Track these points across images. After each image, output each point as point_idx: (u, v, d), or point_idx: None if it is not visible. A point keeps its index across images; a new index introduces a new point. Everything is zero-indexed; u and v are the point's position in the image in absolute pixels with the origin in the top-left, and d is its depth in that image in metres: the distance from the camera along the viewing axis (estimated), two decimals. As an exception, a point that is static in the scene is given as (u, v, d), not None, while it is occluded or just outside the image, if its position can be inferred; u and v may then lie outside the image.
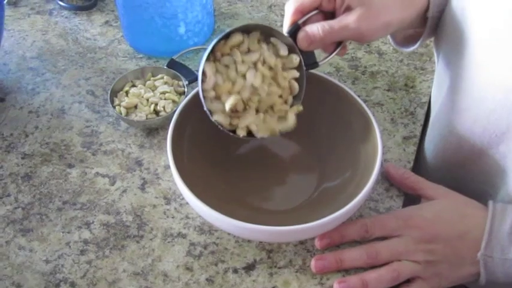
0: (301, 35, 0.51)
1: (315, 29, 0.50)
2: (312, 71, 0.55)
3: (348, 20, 0.50)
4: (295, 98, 0.54)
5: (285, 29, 0.52)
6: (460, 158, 0.57)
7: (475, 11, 0.50)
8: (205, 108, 0.51)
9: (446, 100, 0.57)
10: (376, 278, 0.49)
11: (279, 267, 0.51)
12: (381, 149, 0.52)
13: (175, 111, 0.55)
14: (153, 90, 0.64)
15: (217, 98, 0.52)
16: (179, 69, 0.67)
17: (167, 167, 0.60)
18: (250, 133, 0.53)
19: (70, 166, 0.60)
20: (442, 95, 0.58)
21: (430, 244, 0.49)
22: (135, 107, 0.63)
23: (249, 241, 0.53)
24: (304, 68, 0.53)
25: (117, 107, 0.63)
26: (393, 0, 0.51)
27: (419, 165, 0.64)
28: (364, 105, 0.55)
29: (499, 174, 0.53)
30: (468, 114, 0.53)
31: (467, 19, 0.51)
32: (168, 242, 0.53)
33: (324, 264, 0.50)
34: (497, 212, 0.49)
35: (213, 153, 0.57)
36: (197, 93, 0.56)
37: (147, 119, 0.62)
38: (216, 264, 0.52)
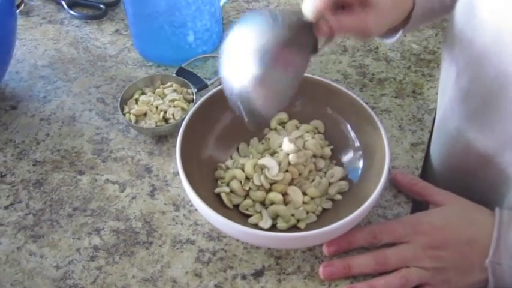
0: (323, 27, 0.48)
1: (335, 23, 0.48)
2: (319, 78, 0.55)
3: (367, 22, 0.49)
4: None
5: (312, 13, 0.48)
6: (465, 166, 0.57)
7: (481, 17, 0.50)
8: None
9: (451, 108, 0.57)
10: (384, 284, 0.49)
11: (287, 274, 0.51)
12: (389, 156, 0.52)
13: (184, 118, 0.56)
14: (162, 98, 0.65)
15: None
16: (188, 77, 0.68)
17: (176, 173, 0.60)
18: None
19: (80, 173, 0.61)
20: (446, 102, 0.58)
21: (438, 250, 0.49)
22: (145, 114, 0.63)
23: (257, 248, 0.53)
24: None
25: (127, 115, 0.63)
26: (392, 2, 0.51)
27: (427, 171, 0.64)
28: (371, 112, 0.55)
29: (505, 182, 0.53)
30: (473, 123, 0.53)
31: (472, 23, 0.51)
32: (177, 248, 0.54)
33: (332, 270, 0.50)
34: (504, 219, 0.49)
35: (221, 160, 0.58)
36: (205, 101, 0.57)
37: (156, 126, 0.62)
38: (224, 271, 0.52)
